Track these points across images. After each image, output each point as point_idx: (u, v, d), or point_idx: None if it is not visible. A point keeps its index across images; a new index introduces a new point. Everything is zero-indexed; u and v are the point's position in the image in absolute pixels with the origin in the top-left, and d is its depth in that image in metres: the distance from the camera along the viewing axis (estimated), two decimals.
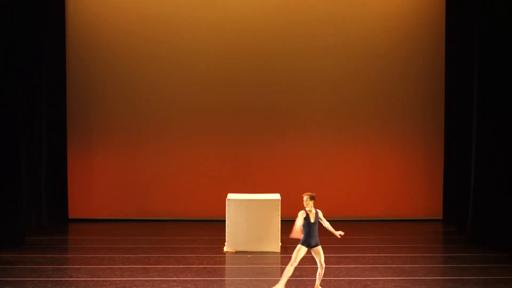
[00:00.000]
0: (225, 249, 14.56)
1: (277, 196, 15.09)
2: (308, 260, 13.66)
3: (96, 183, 19.16)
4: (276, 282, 12.07)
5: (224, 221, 14.74)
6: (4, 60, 15.03)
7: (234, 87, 19.21)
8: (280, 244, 14.59)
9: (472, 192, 15.61)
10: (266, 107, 19.23)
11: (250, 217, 14.55)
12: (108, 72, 19.15)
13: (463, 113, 16.93)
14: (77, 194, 19.10)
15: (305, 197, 10.94)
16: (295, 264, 10.81)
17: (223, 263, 13.68)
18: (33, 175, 17.29)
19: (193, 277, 12.12)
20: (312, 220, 10.89)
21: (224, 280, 12.31)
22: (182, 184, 19.17)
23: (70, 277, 12.40)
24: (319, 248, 10.86)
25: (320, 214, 11.02)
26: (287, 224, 16.27)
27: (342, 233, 11.11)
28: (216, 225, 17.29)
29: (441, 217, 19.11)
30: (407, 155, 19.25)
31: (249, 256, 14.04)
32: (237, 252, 14.38)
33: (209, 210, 18.77)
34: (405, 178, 19.24)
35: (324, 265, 10.87)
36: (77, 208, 19.09)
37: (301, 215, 10.84)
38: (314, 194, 11.11)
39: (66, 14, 18.95)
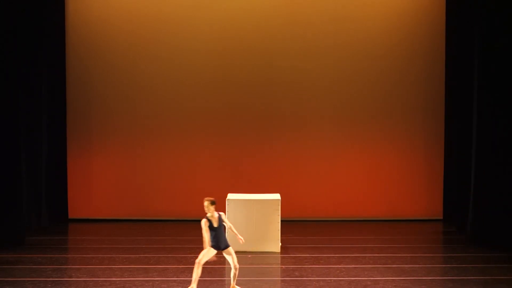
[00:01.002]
0: None
1: (277, 196, 15.09)
2: (308, 260, 13.67)
3: (96, 183, 19.15)
4: (276, 282, 12.08)
5: None
6: (4, 60, 15.02)
7: (234, 87, 19.21)
8: (280, 244, 14.59)
9: (472, 192, 15.60)
10: (266, 107, 19.22)
11: (250, 217, 14.55)
12: (108, 72, 19.14)
13: (463, 113, 16.92)
14: (77, 194, 19.09)
15: (205, 203, 10.84)
16: (201, 263, 10.80)
17: (223, 263, 13.65)
18: (33, 175, 17.29)
19: None
20: (215, 225, 10.83)
21: (224, 280, 12.30)
22: (182, 184, 19.16)
23: (70, 277, 12.40)
24: (230, 249, 10.88)
25: (223, 217, 10.95)
26: (287, 224, 16.31)
27: (242, 239, 11.15)
28: None
29: (441, 217, 19.11)
30: (407, 155, 19.24)
31: (249, 256, 14.04)
32: (237, 252, 14.34)
33: None
34: (405, 178, 19.23)
35: (237, 266, 10.92)
36: (77, 208, 19.08)
37: (204, 225, 10.77)
38: (214, 199, 11.00)
39: (66, 14, 18.94)
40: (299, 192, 19.04)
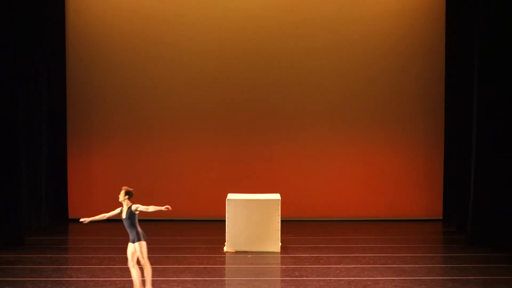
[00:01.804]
0: (225, 249, 14.55)
1: (277, 196, 15.08)
2: (308, 260, 13.67)
3: (96, 183, 19.14)
4: (276, 282, 12.08)
5: (224, 221, 14.73)
6: (4, 60, 15.02)
7: (234, 88, 19.20)
8: (280, 244, 14.58)
9: (472, 192, 15.60)
10: (266, 107, 19.21)
11: (250, 217, 14.55)
12: (108, 72, 19.14)
13: (463, 112, 16.92)
14: (77, 194, 19.08)
15: (121, 191, 10.76)
16: (131, 263, 10.55)
17: (223, 263, 13.68)
18: (33, 175, 17.29)
19: (193, 277, 12.12)
20: (123, 216, 10.66)
21: (224, 280, 12.30)
22: (182, 184, 19.16)
23: (70, 277, 12.40)
24: (136, 245, 10.45)
25: (137, 207, 10.65)
26: (287, 224, 16.31)
27: (168, 207, 10.71)
28: (216, 225, 17.28)
29: (441, 217, 19.10)
30: (407, 155, 19.24)
31: (249, 256, 14.04)
32: (237, 252, 14.38)
33: (209, 210, 18.76)
34: (405, 178, 19.22)
35: (146, 264, 10.46)
36: (77, 208, 19.06)
37: (117, 210, 10.73)
38: (131, 189, 10.86)
39: (66, 14, 18.94)
40: (299, 192, 19.03)
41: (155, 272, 12.51)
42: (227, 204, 14.64)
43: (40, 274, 12.33)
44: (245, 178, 18.99)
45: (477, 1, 15.64)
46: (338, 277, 12.19)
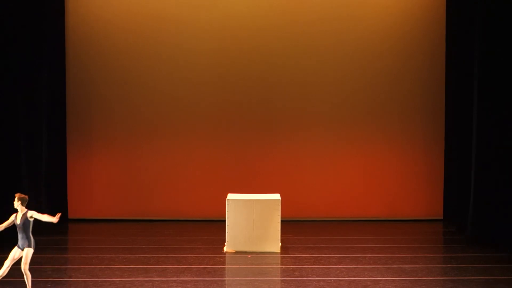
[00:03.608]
0: (225, 249, 14.55)
1: (277, 196, 15.08)
2: (308, 260, 13.67)
3: (96, 183, 19.14)
4: (276, 282, 12.08)
5: (224, 221, 14.73)
6: (4, 61, 15.03)
7: (234, 87, 19.19)
8: (280, 244, 14.58)
9: (472, 192, 15.60)
10: (266, 107, 19.20)
11: (250, 217, 14.54)
12: (108, 72, 19.13)
13: (463, 113, 16.92)
14: (77, 194, 19.07)
15: (15, 198, 10.72)
16: (8, 263, 10.69)
17: (223, 263, 13.67)
18: (33, 175, 17.27)
19: (193, 277, 12.12)
20: (17, 222, 10.71)
21: (224, 280, 12.30)
22: (182, 184, 19.16)
23: (70, 277, 12.39)
24: (24, 251, 10.68)
25: (32, 214, 10.70)
26: (287, 224, 16.32)
27: (57, 217, 10.81)
28: (216, 225, 17.29)
29: (441, 217, 19.10)
30: (407, 155, 19.23)
31: (249, 256, 14.04)
32: (237, 252, 14.37)
33: (209, 210, 18.76)
34: (405, 178, 19.22)
35: (25, 272, 10.64)
36: (77, 208, 19.06)
37: (12, 216, 10.71)
38: (25, 196, 10.82)
39: (66, 14, 18.92)
40: (299, 192, 19.03)
41: (155, 272, 12.53)
42: (227, 204, 14.64)
43: (40, 274, 12.32)
44: (245, 178, 18.99)
45: (477, 1, 15.64)
46: (338, 277, 12.19)
